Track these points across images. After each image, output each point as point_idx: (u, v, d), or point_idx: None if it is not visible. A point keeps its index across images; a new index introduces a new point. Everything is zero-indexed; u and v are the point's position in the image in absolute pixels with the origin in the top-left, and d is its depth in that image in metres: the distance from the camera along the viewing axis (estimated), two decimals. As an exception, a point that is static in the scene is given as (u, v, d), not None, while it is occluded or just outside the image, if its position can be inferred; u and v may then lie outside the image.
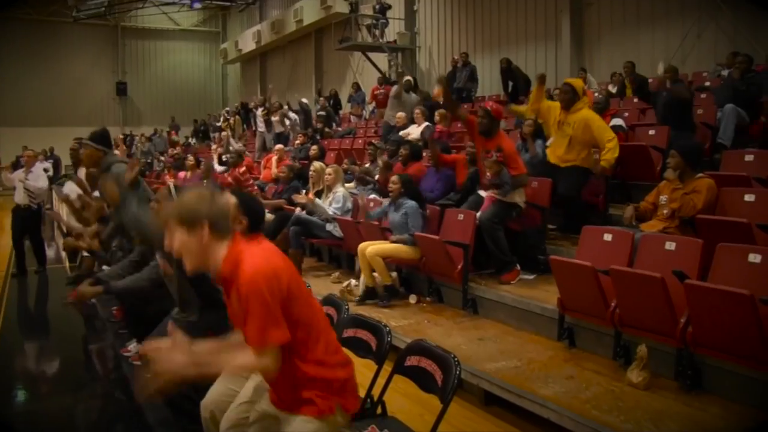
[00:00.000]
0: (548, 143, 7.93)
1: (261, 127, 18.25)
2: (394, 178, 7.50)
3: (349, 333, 3.85)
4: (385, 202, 7.97)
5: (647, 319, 4.64)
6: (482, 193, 7.36)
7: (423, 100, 13.08)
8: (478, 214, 6.91)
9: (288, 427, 2.81)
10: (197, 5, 31.36)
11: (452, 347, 4.90)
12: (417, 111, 11.87)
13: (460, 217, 7.03)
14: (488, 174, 6.96)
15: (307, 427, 2.76)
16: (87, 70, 33.47)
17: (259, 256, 2.65)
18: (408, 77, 14.63)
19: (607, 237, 5.49)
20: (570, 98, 7.30)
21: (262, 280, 2.56)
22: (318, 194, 8.84)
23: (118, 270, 5.21)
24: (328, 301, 4.51)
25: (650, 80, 10.03)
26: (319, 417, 2.76)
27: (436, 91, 7.51)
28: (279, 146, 13.62)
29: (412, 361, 3.36)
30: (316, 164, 9.40)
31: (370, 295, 7.23)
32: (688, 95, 8.36)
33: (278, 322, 2.59)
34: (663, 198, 5.76)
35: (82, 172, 8.67)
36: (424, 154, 9.55)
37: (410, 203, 7.23)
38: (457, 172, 8.41)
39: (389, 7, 20.01)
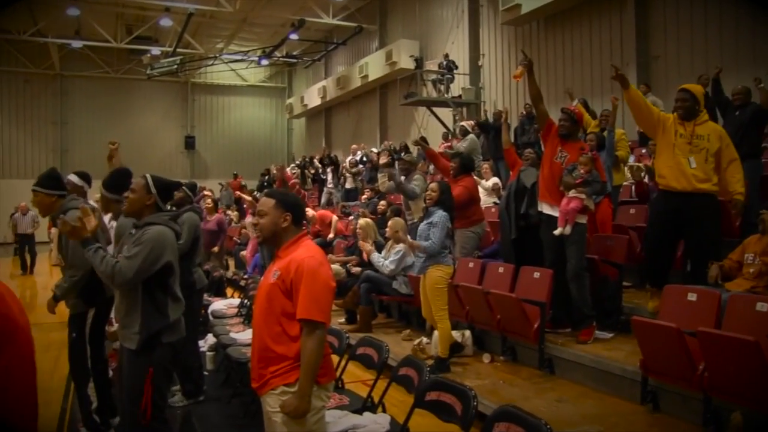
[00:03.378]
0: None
1: (330, 183, 18.43)
2: (433, 185, 7.04)
3: (432, 396, 3.77)
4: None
5: (740, 385, 4.42)
6: (547, 209, 6.99)
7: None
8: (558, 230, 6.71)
9: None
10: (264, 62, 31.93)
11: (531, 410, 4.75)
12: (485, 166, 11.88)
13: (536, 275, 6.90)
14: (581, 170, 6.64)
15: None
16: (158, 124, 34.36)
17: None
18: (464, 123, 14.56)
19: (692, 297, 5.29)
20: (690, 106, 6.17)
21: None
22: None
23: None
24: (407, 362, 4.45)
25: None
26: None
27: (518, 71, 7.01)
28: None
29: (500, 428, 3.24)
30: (362, 221, 9.47)
31: (455, 349, 6.99)
32: None
33: None
34: (749, 256, 5.56)
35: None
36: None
37: (440, 213, 6.74)
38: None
39: (456, 66, 20.11)
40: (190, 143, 35.07)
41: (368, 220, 9.77)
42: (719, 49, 13.55)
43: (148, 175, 4.26)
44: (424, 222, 6.87)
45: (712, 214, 6.11)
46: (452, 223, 6.96)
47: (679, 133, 6.17)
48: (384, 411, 4.47)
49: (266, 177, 25.75)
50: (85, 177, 6.02)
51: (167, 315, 4.14)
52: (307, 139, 35.30)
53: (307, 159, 24.34)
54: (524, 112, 15.74)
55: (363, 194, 15.56)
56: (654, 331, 5.07)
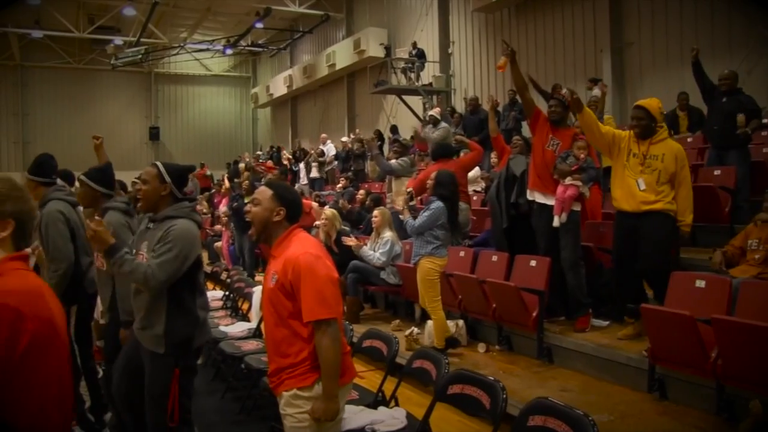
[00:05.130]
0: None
1: (304, 179, 18.30)
2: (432, 174, 6.92)
3: (455, 389, 3.66)
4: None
5: (757, 372, 4.35)
6: (540, 198, 6.87)
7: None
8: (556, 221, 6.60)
9: None
10: (229, 52, 31.50)
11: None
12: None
13: (533, 263, 6.82)
14: (580, 155, 6.54)
15: None
16: (121, 116, 33.86)
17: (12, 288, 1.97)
18: (432, 112, 14.48)
19: (700, 283, 5.21)
20: (646, 125, 5.86)
21: None
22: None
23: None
24: (422, 354, 4.34)
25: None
26: None
27: (502, 62, 6.84)
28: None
29: (536, 421, 3.13)
30: (327, 211, 9.30)
31: (451, 344, 6.80)
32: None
33: None
34: (753, 242, 5.52)
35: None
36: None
37: (436, 203, 6.59)
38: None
39: (424, 55, 20.01)
40: (154, 134, 34.60)
41: (333, 210, 9.60)
42: (694, 35, 13.44)
43: (158, 163, 3.98)
44: (422, 211, 6.75)
45: (663, 233, 5.81)
46: (451, 215, 6.77)
47: (633, 153, 5.93)
48: (397, 405, 4.36)
49: (231, 168, 25.53)
50: (67, 176, 5.81)
51: (195, 314, 3.91)
52: (273, 129, 35.04)
53: (274, 149, 24.11)
54: (496, 100, 15.63)
55: (338, 183, 15.44)
56: (665, 320, 4.99)
